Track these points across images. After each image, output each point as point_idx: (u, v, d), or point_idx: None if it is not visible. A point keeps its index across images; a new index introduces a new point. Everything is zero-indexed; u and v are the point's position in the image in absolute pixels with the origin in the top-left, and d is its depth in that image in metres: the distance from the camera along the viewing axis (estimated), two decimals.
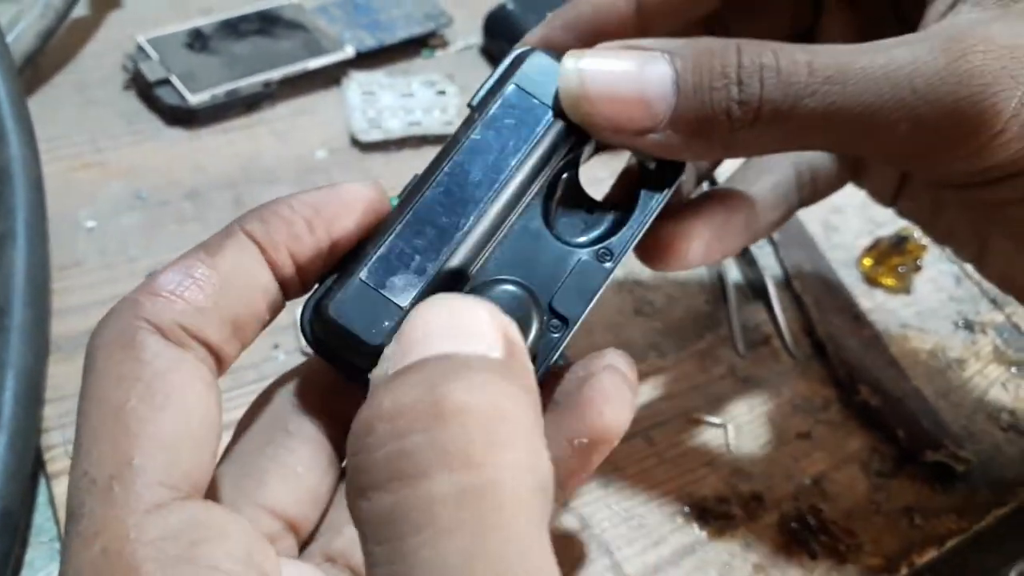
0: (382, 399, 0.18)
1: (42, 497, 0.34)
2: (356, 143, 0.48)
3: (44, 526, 0.33)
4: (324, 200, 0.24)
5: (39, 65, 0.49)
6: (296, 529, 0.25)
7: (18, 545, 0.32)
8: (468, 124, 0.27)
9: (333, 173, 0.47)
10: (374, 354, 0.23)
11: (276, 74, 0.49)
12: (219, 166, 0.46)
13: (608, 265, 0.28)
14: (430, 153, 0.49)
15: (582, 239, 0.29)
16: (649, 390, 0.39)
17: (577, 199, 0.29)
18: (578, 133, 0.28)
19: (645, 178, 0.30)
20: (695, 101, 0.26)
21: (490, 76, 0.28)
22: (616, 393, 0.26)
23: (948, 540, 0.36)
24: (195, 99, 0.47)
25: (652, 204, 0.29)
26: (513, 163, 0.27)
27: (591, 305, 0.28)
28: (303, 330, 0.25)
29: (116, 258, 0.41)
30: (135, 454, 0.20)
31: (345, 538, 0.26)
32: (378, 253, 0.25)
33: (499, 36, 0.53)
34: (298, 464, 0.25)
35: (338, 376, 0.26)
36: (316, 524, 0.26)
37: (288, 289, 0.24)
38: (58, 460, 0.34)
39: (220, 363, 0.23)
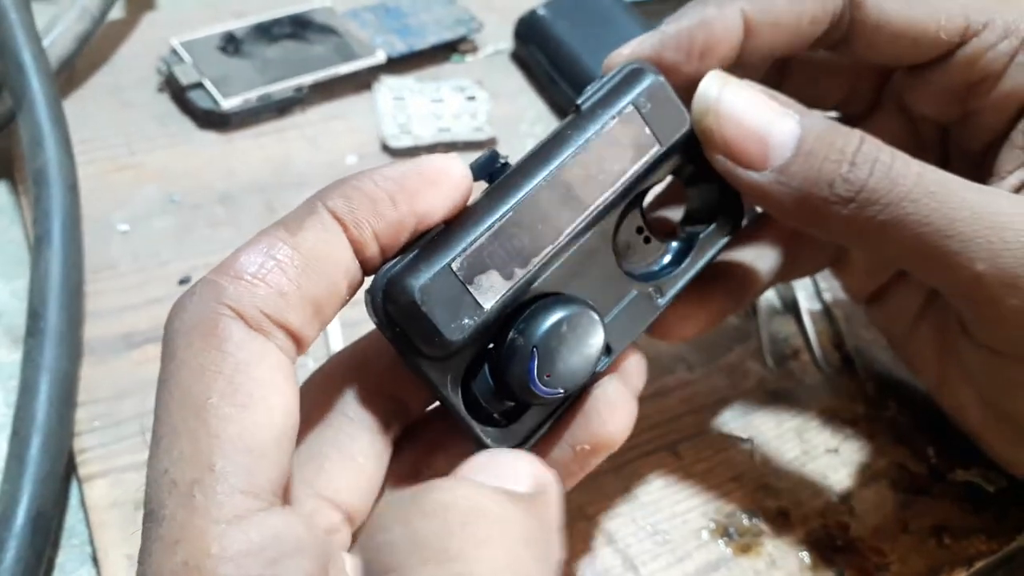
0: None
1: (74, 500, 0.35)
2: (387, 149, 0.48)
3: (76, 528, 0.34)
4: (408, 175, 0.24)
5: (74, 67, 0.49)
6: (352, 520, 0.25)
7: (50, 547, 0.33)
8: (576, 129, 0.26)
9: None
10: (446, 347, 0.24)
11: (308, 79, 0.49)
12: (251, 170, 0.46)
13: (660, 304, 0.29)
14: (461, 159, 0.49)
15: (638, 271, 0.29)
16: (676, 404, 0.39)
17: (638, 227, 0.30)
18: (669, 163, 0.29)
19: (701, 222, 0.31)
20: (807, 162, 0.27)
21: (601, 84, 0.28)
22: (620, 402, 0.28)
23: (977, 561, 0.36)
24: (228, 103, 0.47)
25: (706, 255, 0.31)
26: (616, 186, 0.27)
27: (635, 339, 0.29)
28: (373, 304, 0.24)
29: (149, 261, 0.42)
30: (217, 458, 0.20)
31: None
32: (474, 246, 0.24)
33: (530, 42, 0.53)
34: (358, 452, 0.25)
35: (397, 357, 0.25)
36: (368, 514, 0.26)
37: (367, 267, 0.24)
38: (90, 463, 0.35)
39: (299, 346, 0.22)
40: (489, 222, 0.24)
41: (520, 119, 0.52)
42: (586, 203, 0.26)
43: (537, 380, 0.25)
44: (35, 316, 0.36)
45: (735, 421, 0.39)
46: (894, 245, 0.27)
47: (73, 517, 0.34)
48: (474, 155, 0.49)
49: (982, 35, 0.30)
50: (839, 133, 0.27)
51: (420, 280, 0.23)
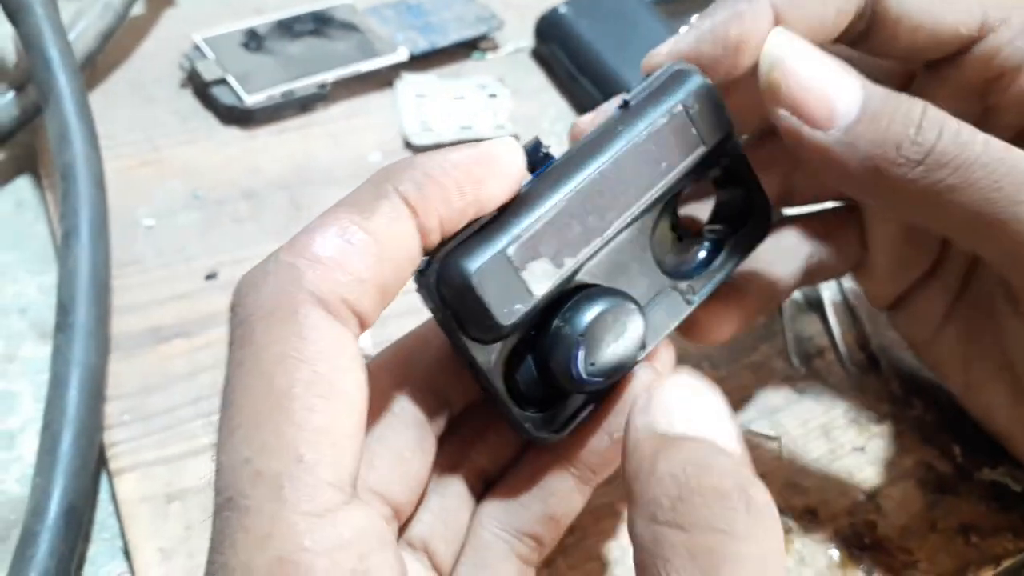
0: (662, 455, 0.22)
1: (104, 494, 0.35)
2: (409, 146, 0.48)
3: (107, 522, 0.34)
4: (474, 161, 0.23)
5: (96, 64, 0.49)
6: (399, 516, 0.25)
7: (82, 541, 0.33)
8: (625, 124, 0.26)
9: None
10: (496, 331, 0.24)
11: (331, 75, 0.49)
12: (274, 166, 0.46)
13: (692, 303, 0.30)
14: None
15: (671, 268, 0.30)
16: None
17: (672, 224, 0.30)
18: (711, 163, 0.29)
19: (729, 223, 0.32)
20: (873, 124, 0.27)
21: (648, 83, 0.28)
22: None
23: (1004, 560, 0.36)
24: (251, 99, 0.47)
25: (736, 257, 0.31)
26: (662, 183, 0.27)
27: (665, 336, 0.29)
28: (426, 284, 0.24)
29: (174, 257, 0.42)
30: (304, 449, 0.19)
31: (424, 524, 0.26)
32: (528, 233, 0.24)
33: (551, 40, 0.53)
34: (405, 448, 0.25)
35: (439, 355, 0.26)
36: (414, 510, 0.26)
37: (426, 252, 0.24)
38: (120, 457, 0.35)
39: (362, 330, 0.22)
40: (544, 210, 0.25)
41: (541, 117, 0.52)
42: (635, 197, 0.26)
43: (582, 369, 0.25)
44: (64, 311, 0.36)
45: (761, 419, 0.39)
46: (959, 212, 0.27)
47: (103, 511, 0.34)
48: None
49: (999, 31, 0.30)
50: (903, 99, 0.27)
51: (476, 263, 0.23)
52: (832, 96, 0.27)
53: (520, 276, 0.24)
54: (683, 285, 0.30)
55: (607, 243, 0.26)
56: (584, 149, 0.26)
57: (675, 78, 0.28)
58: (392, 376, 0.26)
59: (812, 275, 0.37)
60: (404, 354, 0.27)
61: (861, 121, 0.27)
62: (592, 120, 0.31)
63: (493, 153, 0.24)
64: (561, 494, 0.27)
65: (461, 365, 0.27)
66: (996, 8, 0.30)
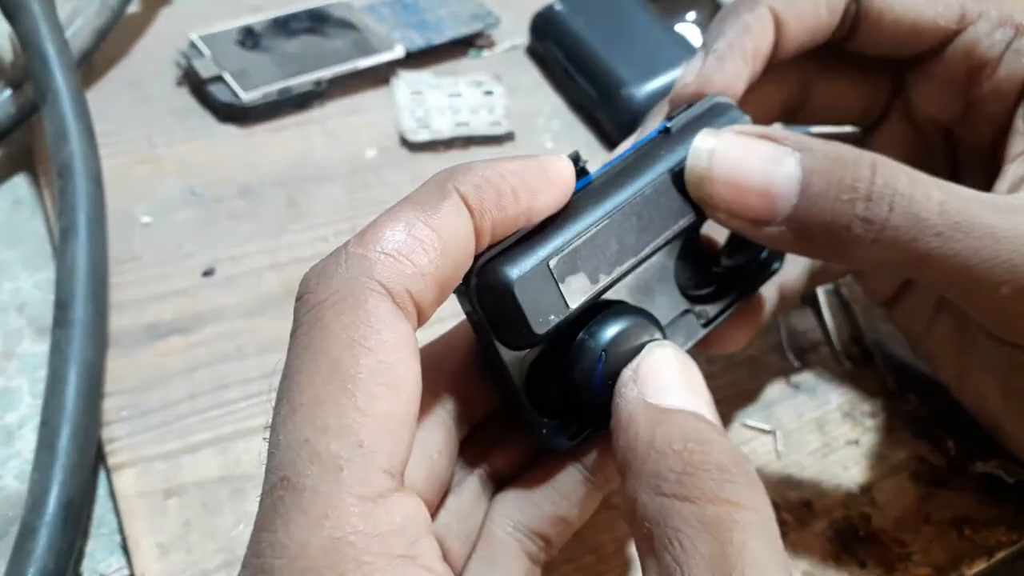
0: (658, 429, 0.23)
1: (102, 490, 0.35)
2: (405, 143, 0.48)
3: (105, 518, 0.34)
4: (530, 171, 0.24)
5: (92, 61, 0.49)
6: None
7: (80, 536, 0.33)
8: (667, 150, 0.28)
9: (385, 173, 0.47)
10: (529, 339, 0.24)
11: (327, 73, 0.49)
12: (271, 164, 0.47)
13: (704, 329, 0.31)
14: (478, 154, 0.50)
15: (690, 291, 0.31)
16: None
17: (694, 248, 0.31)
18: None
19: (742, 253, 0.33)
20: (817, 207, 0.26)
21: (688, 112, 0.29)
22: None
23: (997, 552, 0.36)
24: (248, 97, 0.47)
25: (749, 287, 0.33)
26: (695, 211, 0.28)
27: None
28: (464, 287, 0.25)
29: (172, 253, 0.42)
30: (364, 434, 0.20)
31: (440, 522, 0.27)
32: (571, 246, 0.25)
33: (546, 37, 0.54)
34: (434, 449, 0.26)
35: (466, 360, 0.26)
36: (436, 509, 0.26)
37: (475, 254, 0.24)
38: (119, 453, 0.35)
39: (419, 325, 0.23)
40: (586, 226, 0.25)
41: (537, 114, 0.52)
42: (671, 222, 0.27)
43: (601, 383, 0.26)
44: (63, 307, 0.36)
45: (757, 413, 0.39)
46: (916, 270, 0.27)
47: (102, 507, 0.34)
48: (492, 149, 0.50)
49: (978, 24, 0.31)
50: (846, 166, 0.26)
51: (518, 271, 0.24)
52: (768, 189, 0.26)
53: (559, 288, 0.25)
54: (698, 309, 0.31)
55: (639, 263, 0.27)
56: (626, 170, 0.27)
57: (714, 111, 0.29)
58: (424, 379, 0.26)
59: (816, 277, 0.37)
60: (433, 358, 0.27)
61: (801, 206, 0.26)
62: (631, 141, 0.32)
63: (548, 166, 0.25)
64: (574, 497, 0.28)
65: (485, 369, 0.27)
66: (973, 2, 0.31)
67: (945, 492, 0.37)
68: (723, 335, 0.33)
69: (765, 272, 0.33)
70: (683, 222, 0.28)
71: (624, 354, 0.26)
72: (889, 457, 0.38)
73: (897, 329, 0.39)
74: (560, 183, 0.25)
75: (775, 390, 0.40)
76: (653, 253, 0.27)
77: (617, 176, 0.27)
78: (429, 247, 0.22)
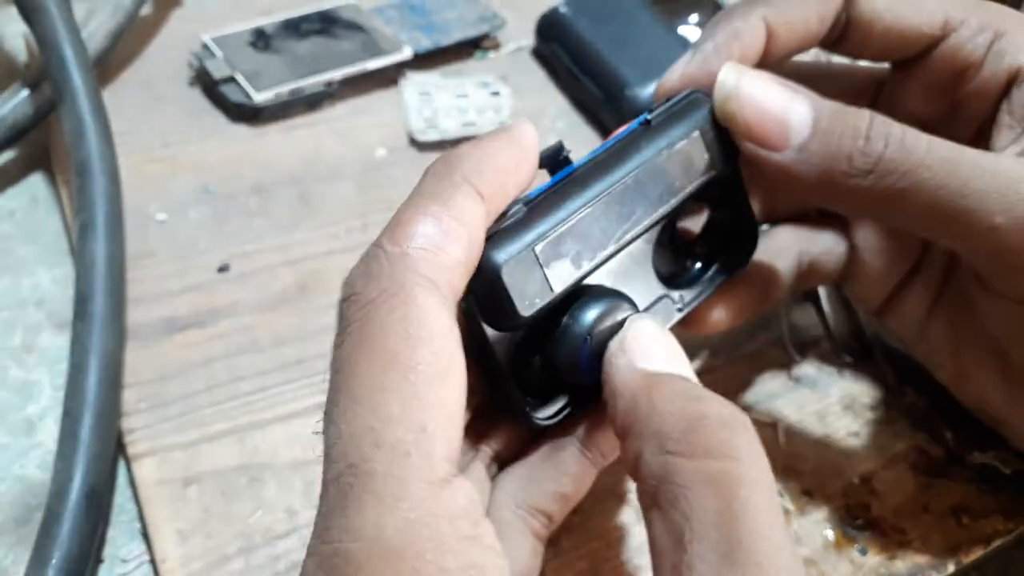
0: (655, 391, 0.24)
1: (121, 479, 0.36)
2: (414, 142, 0.49)
3: (125, 506, 0.35)
4: (510, 147, 0.25)
5: (106, 62, 0.50)
6: None
7: (102, 523, 0.34)
8: (648, 141, 0.29)
9: (394, 172, 0.48)
10: (514, 322, 0.26)
11: (338, 74, 0.50)
12: (283, 163, 0.47)
13: (679, 313, 0.33)
14: None
15: (667, 278, 0.33)
16: None
17: (671, 235, 0.33)
18: (715, 186, 0.31)
19: (718, 242, 0.34)
20: (825, 139, 0.29)
21: (668, 105, 0.30)
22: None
23: (994, 540, 0.37)
24: (260, 97, 0.48)
25: (723, 274, 0.34)
26: (673, 200, 0.29)
27: None
28: None
29: (187, 250, 0.43)
30: (428, 421, 0.21)
31: None
32: (556, 232, 0.26)
33: (551, 39, 0.55)
34: None
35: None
36: None
37: None
38: (138, 443, 0.36)
39: None
40: (570, 212, 0.26)
41: (543, 114, 0.53)
42: (650, 210, 0.28)
43: (588, 363, 0.27)
44: (83, 300, 0.37)
45: (759, 406, 0.40)
46: (914, 210, 0.29)
47: (122, 495, 0.35)
48: None
49: (960, 30, 0.33)
50: (850, 112, 0.29)
51: (506, 256, 0.25)
52: (785, 118, 0.29)
53: (544, 272, 0.26)
54: (675, 295, 0.32)
55: (620, 249, 0.28)
56: (608, 159, 0.28)
57: (694, 104, 0.30)
58: None
59: (805, 277, 0.38)
60: None
61: (813, 138, 0.29)
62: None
63: (520, 137, 0.26)
64: (572, 473, 0.29)
65: (471, 351, 0.28)
66: (957, 10, 0.33)
67: (943, 482, 0.38)
68: (703, 315, 0.35)
69: (740, 258, 0.34)
70: (663, 210, 0.29)
71: (607, 331, 0.27)
72: (888, 448, 0.39)
73: (894, 337, 0.40)
74: (532, 149, 0.26)
75: (777, 384, 0.41)
76: (634, 240, 0.28)
77: (600, 165, 0.28)
78: (459, 237, 0.23)
